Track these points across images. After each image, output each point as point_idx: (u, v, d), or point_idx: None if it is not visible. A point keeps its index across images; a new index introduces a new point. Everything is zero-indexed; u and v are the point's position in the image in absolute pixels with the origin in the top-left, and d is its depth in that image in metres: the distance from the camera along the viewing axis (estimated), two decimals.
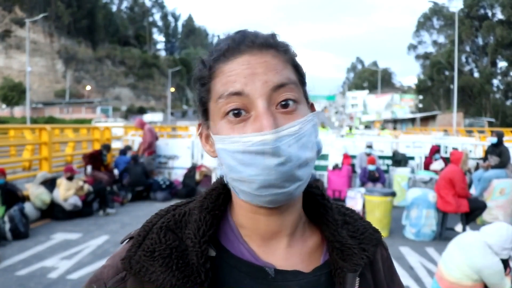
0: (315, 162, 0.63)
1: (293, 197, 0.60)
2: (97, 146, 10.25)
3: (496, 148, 7.44)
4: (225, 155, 0.59)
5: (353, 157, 9.22)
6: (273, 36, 0.63)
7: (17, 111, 57.99)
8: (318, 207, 0.70)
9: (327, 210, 0.69)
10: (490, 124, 37.50)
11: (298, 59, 0.65)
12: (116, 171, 8.75)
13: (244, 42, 0.60)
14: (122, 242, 0.66)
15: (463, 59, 56.94)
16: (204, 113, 0.64)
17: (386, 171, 9.01)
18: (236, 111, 0.58)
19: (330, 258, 0.66)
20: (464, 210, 5.80)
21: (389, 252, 0.75)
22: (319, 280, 0.64)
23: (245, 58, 0.59)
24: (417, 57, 69.78)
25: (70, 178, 6.85)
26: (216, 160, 0.64)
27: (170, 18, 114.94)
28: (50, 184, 6.84)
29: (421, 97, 64.92)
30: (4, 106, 58.64)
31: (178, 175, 9.44)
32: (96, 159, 8.37)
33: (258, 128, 0.56)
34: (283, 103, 0.59)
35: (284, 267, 0.63)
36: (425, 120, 41.56)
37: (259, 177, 0.56)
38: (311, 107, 0.66)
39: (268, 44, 0.61)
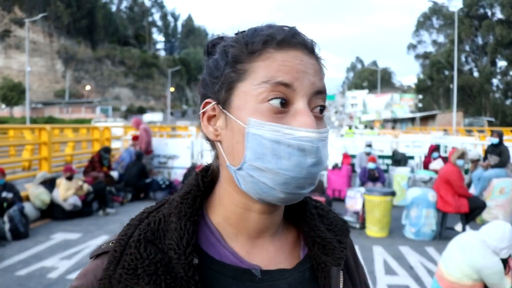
0: None
1: (301, 198, 0.60)
2: (96, 146, 10.26)
3: (496, 148, 7.44)
4: (256, 141, 0.56)
5: (353, 156, 9.22)
6: (315, 43, 0.63)
7: (17, 111, 57.96)
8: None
9: (304, 205, 0.69)
10: (490, 123, 37.54)
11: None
12: (116, 173, 8.71)
13: (296, 38, 0.60)
14: (91, 258, 0.61)
15: (463, 58, 56.96)
16: (227, 91, 0.60)
17: (386, 171, 9.01)
18: (283, 101, 0.56)
19: (310, 253, 0.66)
20: (464, 211, 5.78)
21: (351, 239, 0.76)
22: (304, 276, 0.64)
23: (298, 54, 0.59)
24: (417, 56, 69.83)
25: (69, 178, 6.84)
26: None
27: (170, 18, 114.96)
28: (49, 184, 6.84)
29: (420, 96, 64.94)
30: (3, 106, 58.60)
31: (177, 175, 9.44)
32: (98, 163, 8.35)
33: (301, 123, 0.55)
34: (319, 108, 0.60)
35: (269, 267, 0.63)
36: (425, 120, 41.53)
37: (289, 173, 0.55)
38: None
39: (314, 49, 0.62)
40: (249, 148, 0.56)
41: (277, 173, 0.55)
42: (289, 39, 0.59)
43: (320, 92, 0.59)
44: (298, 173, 0.55)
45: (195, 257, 0.58)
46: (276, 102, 0.56)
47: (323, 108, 0.61)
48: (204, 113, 0.63)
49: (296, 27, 0.63)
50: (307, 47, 0.60)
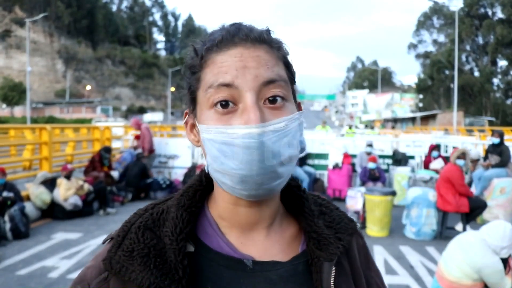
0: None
1: (273, 193, 0.62)
2: (97, 146, 10.25)
3: (497, 147, 7.43)
4: (209, 145, 0.60)
5: (353, 156, 9.21)
6: (267, 32, 0.63)
7: (17, 111, 57.98)
8: (294, 198, 0.71)
9: (303, 201, 0.71)
10: (491, 123, 37.55)
11: (290, 57, 0.66)
12: (116, 173, 8.70)
13: (238, 35, 0.60)
14: (104, 243, 0.67)
15: (463, 58, 56.89)
16: (192, 101, 0.65)
17: (386, 170, 9.01)
18: (224, 102, 0.58)
19: (307, 248, 0.67)
20: (464, 211, 5.78)
21: (365, 241, 0.77)
22: (296, 269, 0.65)
23: (238, 50, 0.59)
24: (417, 56, 69.77)
25: (68, 177, 6.85)
26: (200, 150, 0.65)
27: (170, 18, 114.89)
28: (50, 184, 6.84)
29: (421, 96, 64.85)
30: (4, 106, 58.64)
31: (178, 175, 9.44)
32: (98, 162, 8.34)
33: (245, 121, 0.57)
34: (271, 98, 0.59)
35: (263, 258, 0.65)
36: (426, 119, 41.50)
37: (241, 171, 0.56)
38: (299, 107, 0.67)
39: (262, 39, 0.61)
40: (208, 152, 0.61)
41: (231, 173, 0.57)
42: (228, 39, 0.60)
43: (271, 82, 0.59)
44: (250, 171, 0.56)
45: (191, 245, 0.63)
46: (219, 105, 0.59)
47: (280, 97, 0.60)
48: (187, 122, 0.68)
49: (243, 22, 0.64)
50: (251, 40, 0.60)
